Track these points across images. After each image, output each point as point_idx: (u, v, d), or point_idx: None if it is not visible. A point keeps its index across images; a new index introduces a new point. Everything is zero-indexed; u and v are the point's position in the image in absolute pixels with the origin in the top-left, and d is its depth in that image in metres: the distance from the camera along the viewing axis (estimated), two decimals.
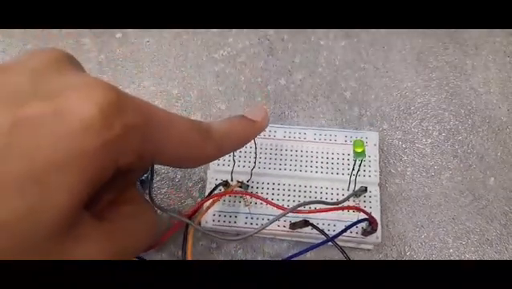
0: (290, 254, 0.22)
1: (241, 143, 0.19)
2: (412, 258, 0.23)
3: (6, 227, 0.11)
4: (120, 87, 0.29)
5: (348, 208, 0.21)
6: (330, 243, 0.21)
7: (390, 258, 0.23)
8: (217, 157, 0.18)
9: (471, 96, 0.27)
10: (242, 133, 0.19)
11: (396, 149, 0.26)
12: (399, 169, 0.25)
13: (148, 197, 0.18)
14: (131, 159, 0.14)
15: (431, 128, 0.26)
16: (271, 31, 0.30)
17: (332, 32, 0.30)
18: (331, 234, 0.22)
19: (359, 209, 0.21)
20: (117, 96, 0.13)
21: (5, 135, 0.11)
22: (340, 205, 0.20)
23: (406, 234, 0.24)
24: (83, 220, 0.14)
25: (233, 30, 0.30)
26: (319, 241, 0.21)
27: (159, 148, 0.15)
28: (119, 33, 0.31)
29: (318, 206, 0.21)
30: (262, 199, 0.21)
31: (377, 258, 0.23)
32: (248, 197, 0.23)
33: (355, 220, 0.21)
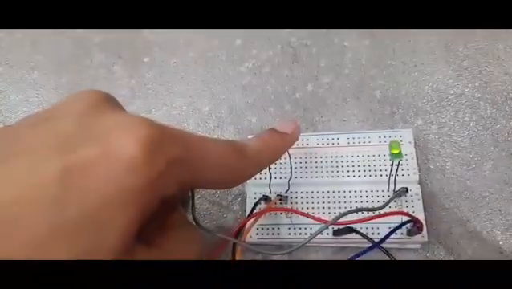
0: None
1: (276, 157, 0.20)
2: (460, 255, 0.23)
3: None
4: (153, 109, 0.30)
5: (391, 214, 0.20)
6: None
7: (438, 256, 0.23)
8: (254, 175, 0.19)
9: (506, 82, 0.26)
10: (275, 148, 0.19)
11: (433, 144, 0.25)
12: (438, 164, 0.25)
13: (191, 218, 0.19)
14: (176, 189, 0.14)
15: (467, 118, 0.26)
16: (293, 38, 0.31)
17: (355, 32, 0.30)
18: (376, 237, 0.22)
19: (402, 214, 0.21)
20: (158, 132, 0.13)
21: (57, 182, 0.12)
22: (383, 212, 0.20)
23: (452, 230, 0.23)
24: (136, 250, 0.14)
25: (256, 41, 0.31)
26: (364, 245, 0.21)
27: (198, 175, 0.15)
28: (146, 57, 0.32)
29: (360, 213, 0.21)
30: (303, 214, 0.21)
31: (425, 257, 0.23)
32: (288, 207, 0.23)
33: (398, 221, 0.21)
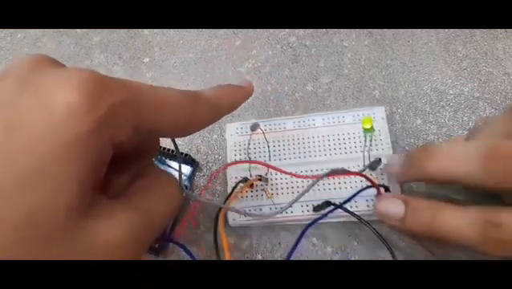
0: (309, 222, 0.23)
1: (233, 103, 0.20)
2: None
3: (25, 221, 0.12)
4: None
5: (352, 174, 0.21)
6: (355, 220, 0.22)
7: None
8: (212, 118, 0.19)
9: (505, 82, 0.27)
10: (231, 96, 0.20)
11: (433, 144, 0.25)
12: None
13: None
14: (127, 133, 0.14)
15: (466, 118, 0.26)
16: (293, 38, 0.31)
17: (354, 32, 0.30)
18: (354, 210, 0.23)
19: (361, 175, 0.21)
20: (97, 79, 0.14)
21: (0, 135, 0.12)
22: (355, 173, 0.22)
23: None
24: (100, 201, 0.14)
25: (256, 41, 0.31)
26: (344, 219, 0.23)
27: (151, 117, 0.15)
28: (146, 57, 0.32)
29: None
30: (285, 172, 0.22)
31: None
32: (269, 189, 0.24)
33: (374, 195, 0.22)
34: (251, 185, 0.25)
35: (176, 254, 0.25)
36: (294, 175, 0.22)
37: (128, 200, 0.16)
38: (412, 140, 0.26)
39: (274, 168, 0.23)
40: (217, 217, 0.23)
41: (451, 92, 0.27)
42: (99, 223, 0.14)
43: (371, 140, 0.23)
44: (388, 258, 0.22)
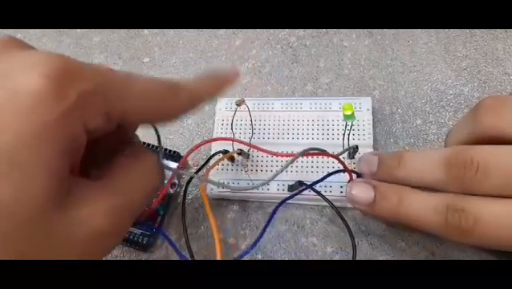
0: (280, 201, 0.23)
1: (214, 92, 0.19)
2: None
3: (1, 213, 0.12)
4: None
5: (332, 156, 0.22)
6: (326, 204, 0.23)
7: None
8: (191, 106, 0.18)
9: (505, 82, 0.27)
10: (214, 83, 0.19)
11: (432, 144, 0.25)
12: None
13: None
14: (99, 120, 0.14)
15: None
16: (293, 38, 0.31)
17: (354, 32, 0.30)
18: (327, 195, 0.23)
19: (332, 156, 0.22)
20: (66, 65, 0.13)
21: None
22: (331, 154, 0.22)
23: None
24: (78, 184, 0.14)
25: (256, 41, 0.31)
26: (319, 203, 0.24)
27: (125, 104, 0.15)
28: (146, 57, 0.32)
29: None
30: (263, 150, 0.22)
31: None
32: (248, 164, 0.25)
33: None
34: (232, 159, 0.25)
35: (164, 250, 0.25)
36: (271, 152, 0.22)
37: (108, 181, 0.15)
38: (412, 140, 0.26)
39: (254, 146, 0.23)
40: (187, 184, 0.24)
41: (451, 92, 0.27)
42: (79, 211, 0.13)
43: (351, 127, 0.24)
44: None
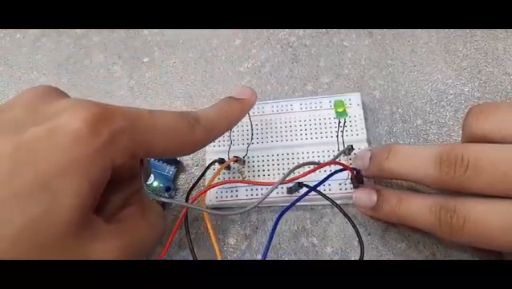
0: (283, 205, 0.22)
1: (232, 122, 0.20)
2: None
3: (26, 230, 0.13)
4: (153, 108, 0.30)
5: (327, 164, 0.21)
6: (328, 202, 0.23)
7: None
8: (209, 140, 0.19)
9: (505, 82, 0.27)
10: (231, 112, 0.20)
11: (433, 144, 0.25)
12: None
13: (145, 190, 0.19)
14: (125, 158, 0.15)
15: None
16: (293, 38, 0.31)
17: (354, 32, 0.30)
18: (327, 193, 0.23)
19: (335, 163, 0.21)
20: (100, 109, 0.15)
21: (8, 157, 0.13)
22: (325, 163, 0.21)
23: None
24: (96, 223, 0.15)
25: (256, 41, 0.31)
26: (320, 202, 0.23)
27: (148, 143, 0.16)
28: (146, 57, 0.32)
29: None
30: (250, 183, 0.23)
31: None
32: (245, 171, 0.25)
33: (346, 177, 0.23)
34: (228, 167, 0.25)
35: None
36: (257, 183, 0.23)
37: (122, 227, 0.17)
38: (412, 140, 0.26)
39: (248, 182, 0.23)
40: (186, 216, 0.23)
41: (451, 92, 0.27)
42: (95, 245, 0.15)
43: (344, 124, 0.24)
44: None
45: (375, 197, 0.21)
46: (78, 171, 0.14)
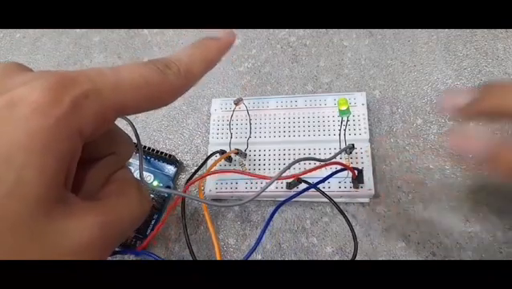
0: (282, 200, 0.23)
1: (209, 62, 0.18)
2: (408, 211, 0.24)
3: None
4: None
5: (329, 164, 0.21)
6: (326, 200, 0.22)
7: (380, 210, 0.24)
8: (187, 85, 0.17)
9: (506, 81, 0.26)
10: (206, 52, 0.18)
11: (433, 144, 0.25)
12: (437, 164, 0.25)
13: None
14: (95, 124, 0.15)
15: None
16: (293, 38, 0.31)
17: (354, 32, 0.30)
18: (326, 190, 0.23)
19: (337, 164, 0.21)
20: (59, 76, 0.14)
21: None
22: (326, 162, 0.21)
23: (400, 184, 0.24)
24: (70, 199, 0.14)
25: (256, 41, 0.31)
26: (318, 199, 0.23)
27: (118, 102, 0.15)
28: (146, 57, 0.32)
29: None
30: (249, 174, 0.23)
31: (371, 210, 0.24)
32: (246, 163, 0.25)
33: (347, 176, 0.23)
34: (229, 158, 0.25)
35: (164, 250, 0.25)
36: (256, 176, 0.23)
37: (100, 204, 0.16)
38: (412, 140, 0.26)
39: (237, 171, 0.24)
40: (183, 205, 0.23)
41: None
42: (69, 223, 0.14)
43: (347, 122, 0.24)
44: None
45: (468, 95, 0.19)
46: (40, 142, 0.13)
